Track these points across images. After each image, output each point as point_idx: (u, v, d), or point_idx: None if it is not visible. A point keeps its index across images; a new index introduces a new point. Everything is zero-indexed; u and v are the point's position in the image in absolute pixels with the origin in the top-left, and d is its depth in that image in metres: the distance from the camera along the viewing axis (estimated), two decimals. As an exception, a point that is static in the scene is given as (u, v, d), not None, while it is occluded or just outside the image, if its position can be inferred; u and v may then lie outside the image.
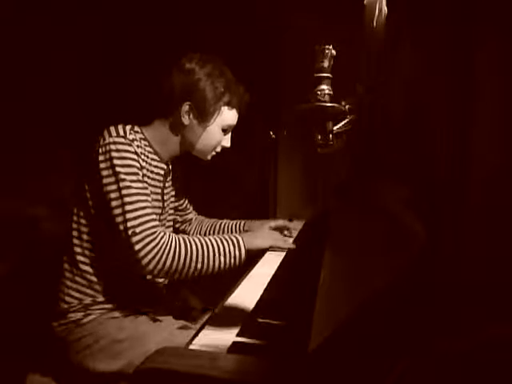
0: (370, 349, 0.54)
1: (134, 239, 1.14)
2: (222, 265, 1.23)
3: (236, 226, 1.62)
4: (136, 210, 1.16)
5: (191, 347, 0.81)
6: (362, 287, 0.61)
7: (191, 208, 1.66)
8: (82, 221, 1.25)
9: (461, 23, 0.52)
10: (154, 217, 1.20)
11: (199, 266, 1.20)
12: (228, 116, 1.33)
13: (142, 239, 1.15)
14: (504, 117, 0.49)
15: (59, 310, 1.26)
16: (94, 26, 2.27)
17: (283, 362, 0.71)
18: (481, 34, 0.50)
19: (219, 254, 1.22)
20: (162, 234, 1.18)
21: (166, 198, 1.40)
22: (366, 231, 0.87)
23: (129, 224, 1.15)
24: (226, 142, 1.38)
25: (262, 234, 1.38)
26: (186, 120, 1.29)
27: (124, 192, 1.16)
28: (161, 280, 1.42)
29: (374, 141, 1.08)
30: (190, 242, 1.21)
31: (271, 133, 2.42)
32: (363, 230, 0.90)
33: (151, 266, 1.16)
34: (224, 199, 2.47)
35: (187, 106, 1.28)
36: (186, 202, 1.63)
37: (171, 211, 1.48)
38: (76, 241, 1.25)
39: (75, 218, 1.26)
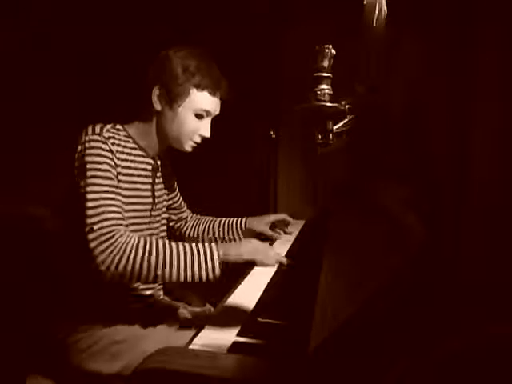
0: (370, 349, 0.54)
1: (90, 236, 1.09)
2: (190, 277, 1.11)
3: (236, 223, 1.58)
4: (97, 206, 1.12)
5: (191, 347, 0.81)
6: (362, 287, 0.61)
7: (185, 206, 1.62)
8: (68, 223, 1.24)
9: (461, 23, 0.52)
10: (117, 215, 1.14)
11: (159, 272, 1.10)
12: (198, 99, 1.27)
13: (98, 237, 1.09)
14: (504, 117, 0.49)
15: (58, 312, 1.26)
16: (95, 26, 2.27)
17: (283, 362, 0.71)
18: (481, 34, 0.50)
19: (185, 265, 1.12)
20: (120, 233, 1.11)
21: (157, 194, 1.37)
22: (365, 231, 0.87)
23: (88, 221, 1.10)
24: (205, 130, 1.31)
25: (242, 246, 1.20)
26: (157, 105, 1.27)
27: (88, 189, 1.12)
28: (155, 285, 1.40)
29: (374, 141, 1.08)
30: (151, 246, 1.12)
31: (271, 132, 2.42)
32: (363, 230, 0.90)
33: (104, 267, 1.08)
34: (224, 199, 2.48)
35: (157, 90, 1.26)
36: (180, 200, 1.59)
37: (164, 209, 1.46)
38: (66, 243, 1.25)
39: (64, 219, 1.26)
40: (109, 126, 1.22)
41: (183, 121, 1.28)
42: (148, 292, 1.35)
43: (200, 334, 0.87)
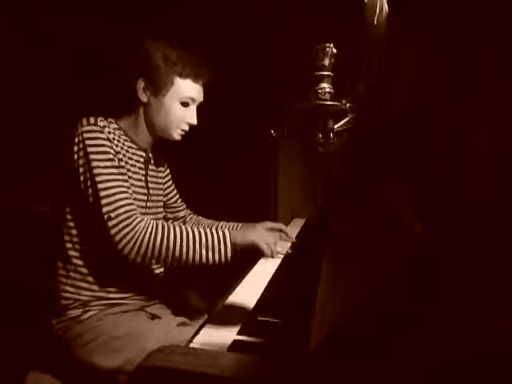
0: (370, 348, 0.54)
1: (109, 224, 1.15)
2: (204, 258, 1.20)
3: (234, 228, 1.57)
4: (110, 195, 1.16)
5: (192, 345, 0.82)
6: (362, 287, 0.61)
7: (183, 206, 1.63)
8: (69, 215, 1.26)
9: (461, 23, 0.52)
10: (130, 201, 1.19)
11: (177, 255, 1.18)
12: (182, 87, 1.30)
13: (117, 224, 1.15)
14: (503, 117, 0.49)
15: (58, 307, 1.26)
16: (94, 26, 2.27)
17: (283, 361, 0.72)
18: (481, 34, 0.50)
19: (200, 247, 1.20)
20: (138, 219, 1.17)
21: (150, 186, 1.39)
22: (366, 231, 0.87)
23: (104, 209, 1.15)
24: (191, 118, 1.34)
25: (252, 230, 1.33)
26: (143, 97, 1.30)
27: (98, 179, 1.17)
28: (157, 271, 1.41)
29: (375, 140, 1.08)
30: (168, 230, 1.19)
31: (272, 132, 2.42)
32: (363, 229, 0.90)
33: (126, 251, 1.16)
34: (225, 198, 2.48)
35: (142, 83, 1.29)
36: (176, 197, 1.60)
37: (160, 203, 1.46)
38: (66, 237, 1.26)
39: (63, 213, 1.27)
40: (101, 118, 1.25)
41: (169, 109, 1.31)
42: (147, 285, 1.36)
43: (201, 332, 0.88)
